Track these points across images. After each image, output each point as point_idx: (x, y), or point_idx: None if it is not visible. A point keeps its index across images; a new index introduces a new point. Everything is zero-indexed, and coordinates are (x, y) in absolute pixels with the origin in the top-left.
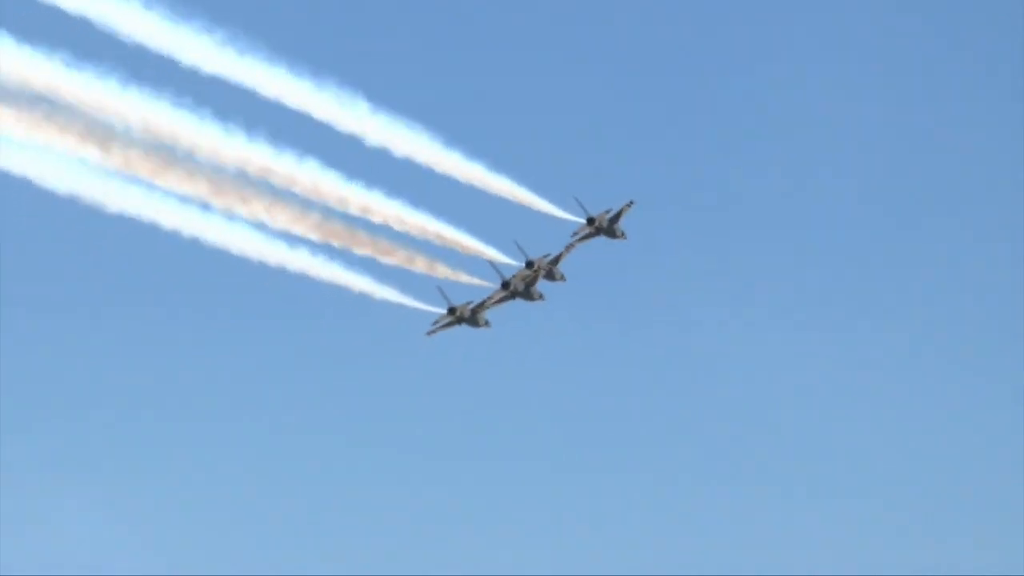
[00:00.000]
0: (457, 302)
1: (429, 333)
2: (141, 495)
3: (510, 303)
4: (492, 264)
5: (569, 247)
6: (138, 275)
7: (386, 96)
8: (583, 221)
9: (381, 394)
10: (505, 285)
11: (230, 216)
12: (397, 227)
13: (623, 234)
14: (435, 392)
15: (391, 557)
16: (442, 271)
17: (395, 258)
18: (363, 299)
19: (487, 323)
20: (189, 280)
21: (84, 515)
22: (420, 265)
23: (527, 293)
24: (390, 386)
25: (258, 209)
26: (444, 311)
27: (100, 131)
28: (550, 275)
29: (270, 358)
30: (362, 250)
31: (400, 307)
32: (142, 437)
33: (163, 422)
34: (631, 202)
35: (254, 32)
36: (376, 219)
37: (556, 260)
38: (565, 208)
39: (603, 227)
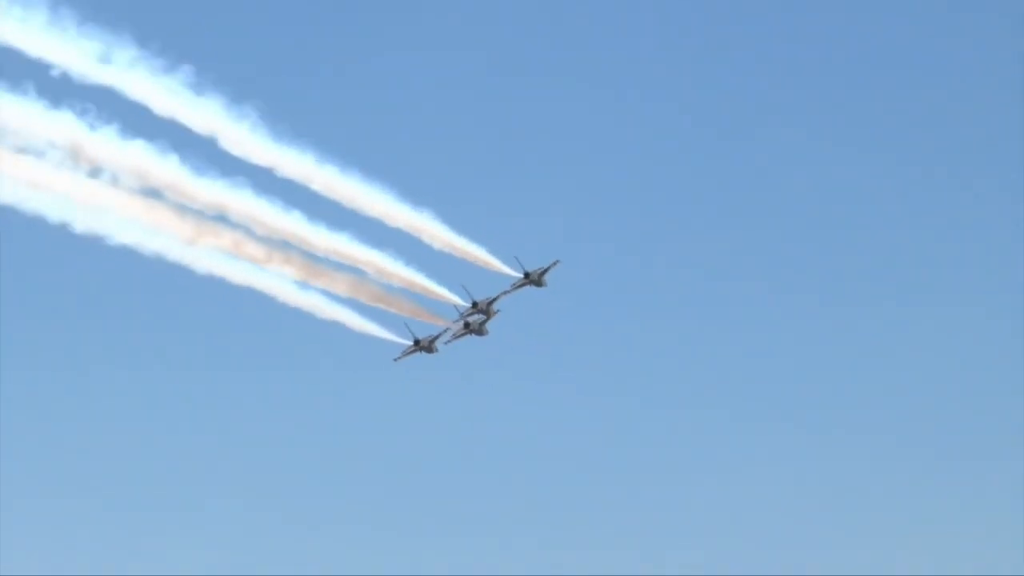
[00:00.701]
0: (420, 335)
1: (396, 359)
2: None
3: (464, 337)
4: (456, 308)
5: (505, 292)
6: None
7: (354, 158)
8: (520, 275)
9: (352, 410)
10: (467, 325)
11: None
12: (371, 272)
13: (546, 284)
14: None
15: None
16: (409, 309)
17: (372, 298)
18: (343, 329)
19: (438, 350)
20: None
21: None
22: (392, 305)
23: (479, 330)
24: (360, 403)
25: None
26: (411, 342)
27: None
28: (487, 312)
29: (267, 383)
30: (343, 290)
31: (375, 338)
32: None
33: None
34: (557, 261)
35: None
36: (355, 264)
37: (492, 300)
38: (506, 263)
39: (534, 279)
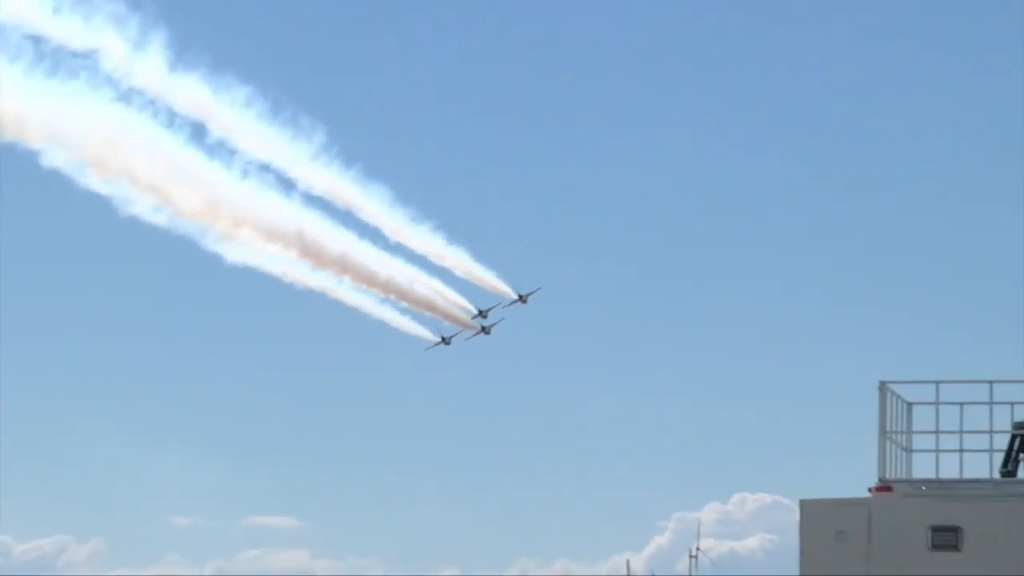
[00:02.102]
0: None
1: (426, 350)
2: None
3: (477, 336)
4: (479, 311)
5: (502, 306)
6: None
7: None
8: (515, 296)
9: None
10: (483, 328)
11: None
12: (400, 280)
13: (527, 302)
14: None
15: None
16: (438, 313)
17: (409, 303)
18: (387, 326)
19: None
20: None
21: None
22: (424, 308)
23: (488, 331)
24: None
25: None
26: (439, 338)
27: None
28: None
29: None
30: (386, 294)
31: (409, 334)
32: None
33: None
34: (539, 287)
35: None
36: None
37: (491, 309)
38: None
39: (523, 299)
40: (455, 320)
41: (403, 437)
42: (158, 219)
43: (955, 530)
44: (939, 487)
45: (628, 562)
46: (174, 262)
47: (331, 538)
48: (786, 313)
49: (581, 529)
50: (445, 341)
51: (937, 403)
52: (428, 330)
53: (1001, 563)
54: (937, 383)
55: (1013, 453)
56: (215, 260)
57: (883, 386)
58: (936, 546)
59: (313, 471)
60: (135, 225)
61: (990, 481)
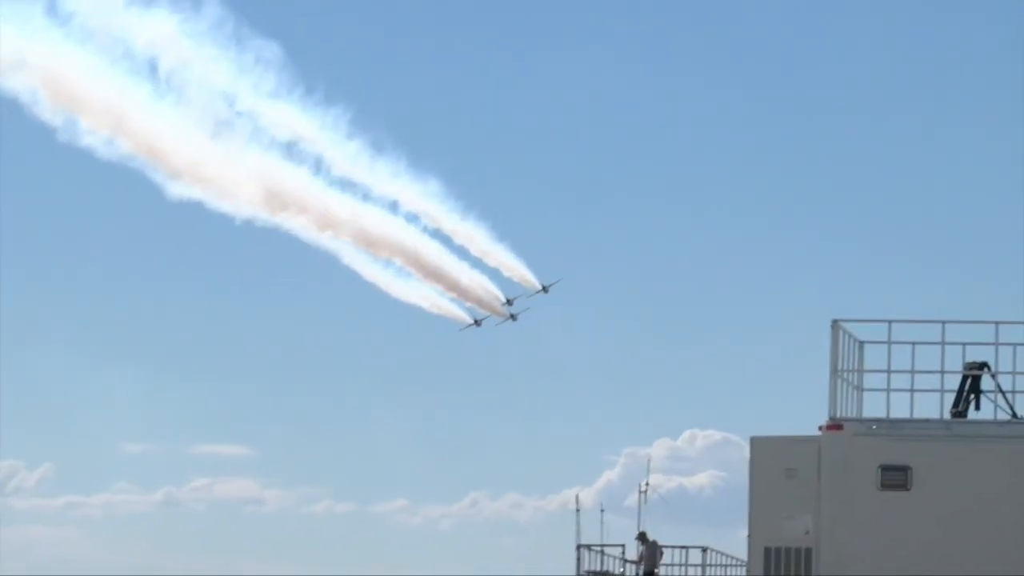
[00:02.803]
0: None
1: (460, 330)
2: None
3: (506, 321)
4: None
5: (527, 295)
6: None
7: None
8: (539, 287)
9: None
10: (512, 316)
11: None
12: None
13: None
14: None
15: None
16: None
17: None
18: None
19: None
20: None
21: None
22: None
23: (515, 318)
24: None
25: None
26: (471, 320)
27: None
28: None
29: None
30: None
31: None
32: None
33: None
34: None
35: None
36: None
37: (516, 298)
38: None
39: (545, 290)
40: (486, 306)
41: (355, 368)
42: (111, 153)
43: (904, 469)
44: (889, 426)
45: (577, 496)
46: (125, 193)
47: (281, 467)
48: (739, 250)
49: (532, 463)
50: (478, 322)
51: (889, 342)
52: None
53: (949, 503)
54: (889, 322)
55: (964, 393)
56: (157, 191)
57: (835, 324)
58: (885, 485)
59: (264, 400)
60: (93, 158)
61: (940, 421)
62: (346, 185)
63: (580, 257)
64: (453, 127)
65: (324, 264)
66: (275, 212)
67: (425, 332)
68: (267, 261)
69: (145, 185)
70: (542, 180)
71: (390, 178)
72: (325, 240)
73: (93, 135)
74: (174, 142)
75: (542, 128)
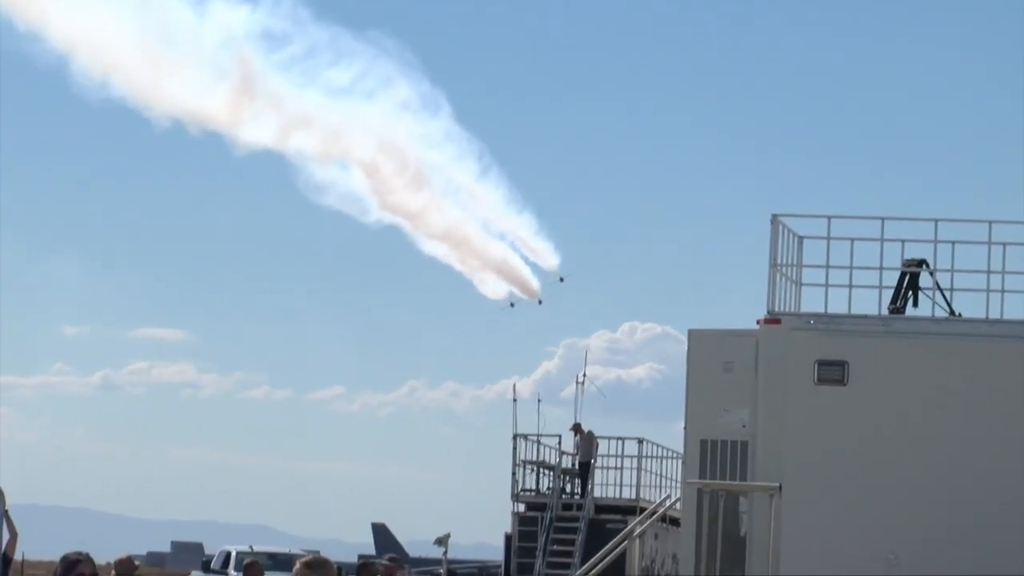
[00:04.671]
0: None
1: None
2: None
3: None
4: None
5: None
6: None
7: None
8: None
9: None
10: (538, 301)
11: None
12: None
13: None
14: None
15: None
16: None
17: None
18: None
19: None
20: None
21: None
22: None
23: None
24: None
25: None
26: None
27: None
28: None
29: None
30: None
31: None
32: None
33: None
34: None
35: None
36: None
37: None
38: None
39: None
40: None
41: (296, 263)
42: (45, 52)
43: (841, 364)
44: (827, 321)
45: (515, 386)
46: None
47: (219, 353)
48: (681, 146)
49: (470, 353)
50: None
51: (828, 238)
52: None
53: (885, 398)
54: (829, 218)
55: (902, 290)
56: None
57: (775, 219)
58: (822, 380)
59: (204, 287)
60: (28, 60)
61: (878, 317)
62: (307, 84)
63: (519, 151)
64: None
65: (278, 170)
66: (236, 114)
67: (364, 232)
68: (215, 162)
69: (81, 85)
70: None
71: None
72: (290, 148)
73: (35, 40)
74: (114, 40)
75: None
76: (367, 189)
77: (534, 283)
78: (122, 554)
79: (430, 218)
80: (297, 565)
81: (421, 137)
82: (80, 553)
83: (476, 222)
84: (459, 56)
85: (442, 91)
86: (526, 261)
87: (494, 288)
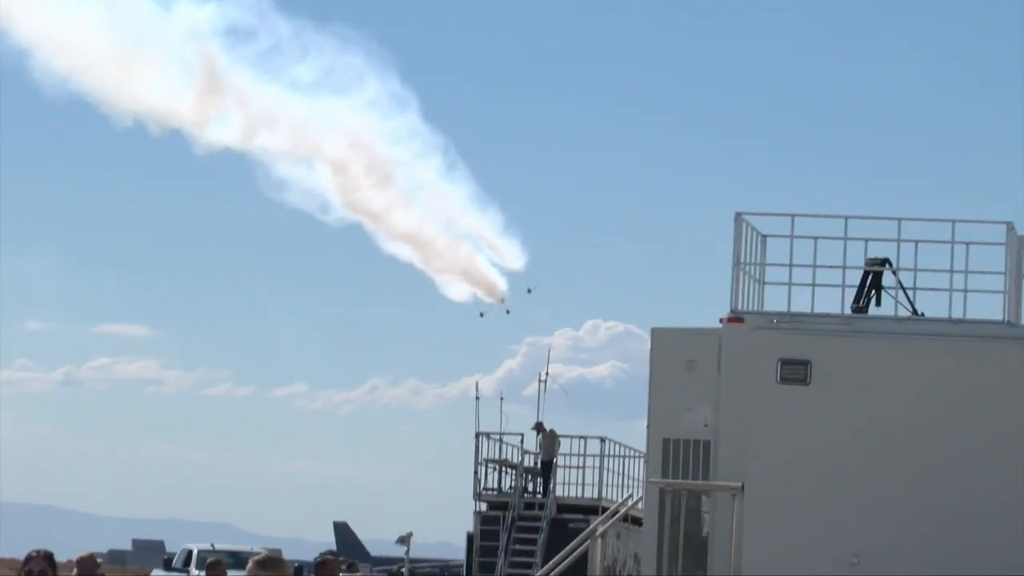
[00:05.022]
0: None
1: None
2: None
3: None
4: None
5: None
6: None
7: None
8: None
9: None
10: (506, 311)
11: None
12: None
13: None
14: None
15: None
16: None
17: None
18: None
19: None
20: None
21: None
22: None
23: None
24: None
25: None
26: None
27: None
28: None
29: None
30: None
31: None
32: None
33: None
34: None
35: None
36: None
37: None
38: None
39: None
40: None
41: (256, 254)
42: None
43: (804, 363)
44: (790, 320)
45: (477, 384)
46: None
47: (181, 349)
48: (645, 144)
49: (433, 351)
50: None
51: (792, 236)
52: None
53: (848, 398)
54: (792, 216)
55: (865, 289)
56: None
57: (738, 217)
58: (785, 379)
59: (167, 283)
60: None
61: (841, 316)
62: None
63: (484, 143)
64: None
65: (242, 167)
66: (201, 111)
67: (328, 231)
68: (179, 159)
69: (42, 80)
70: None
71: None
72: (254, 145)
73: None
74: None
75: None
76: (331, 186)
77: (500, 285)
78: (84, 552)
79: (394, 217)
80: (250, 563)
81: (386, 133)
82: (40, 551)
83: (440, 221)
84: (427, 52)
85: (410, 87)
86: (491, 263)
87: (458, 291)
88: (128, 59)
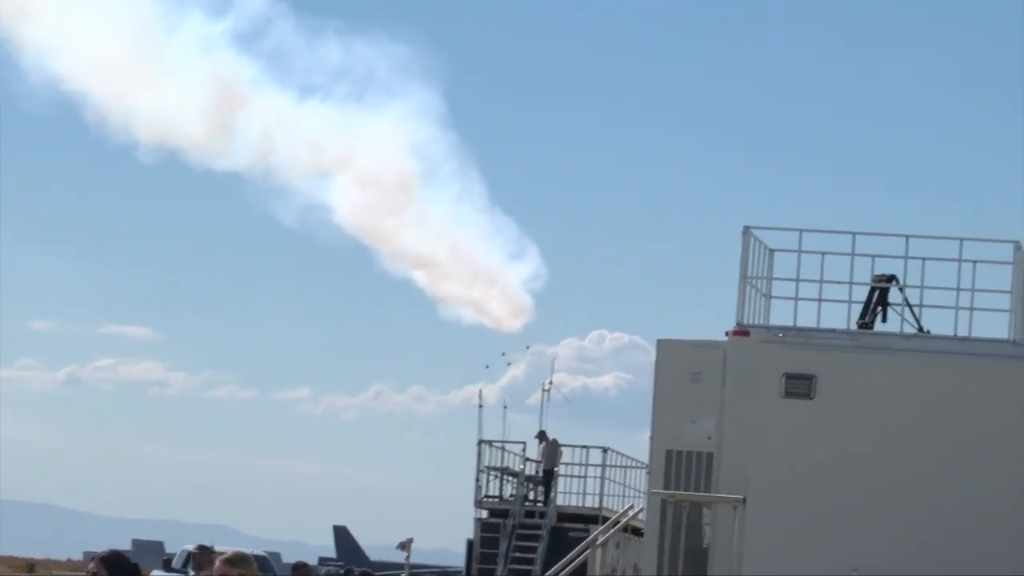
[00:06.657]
0: None
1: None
2: None
3: None
4: None
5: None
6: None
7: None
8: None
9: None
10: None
11: None
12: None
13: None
14: None
15: None
16: None
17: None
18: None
19: None
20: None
21: None
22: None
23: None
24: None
25: None
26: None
27: None
28: None
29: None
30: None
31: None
32: None
33: None
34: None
35: None
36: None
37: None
38: None
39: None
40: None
41: (263, 258)
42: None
43: (809, 378)
44: (796, 334)
45: (481, 392)
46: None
47: (186, 351)
48: (654, 156)
49: (437, 357)
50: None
51: (799, 251)
52: None
53: (852, 413)
54: (800, 231)
55: (871, 305)
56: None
57: (746, 231)
58: (789, 393)
59: (172, 285)
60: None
61: (847, 332)
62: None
63: (491, 156)
64: None
65: (252, 173)
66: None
67: (337, 238)
68: (187, 161)
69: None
70: None
71: None
72: (264, 152)
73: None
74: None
75: None
76: (343, 197)
77: (507, 319)
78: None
79: (405, 233)
80: (217, 562)
81: (405, 146)
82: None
83: (451, 240)
84: (451, 60)
85: (432, 95)
86: (502, 294)
87: (464, 315)
88: (144, 65)
